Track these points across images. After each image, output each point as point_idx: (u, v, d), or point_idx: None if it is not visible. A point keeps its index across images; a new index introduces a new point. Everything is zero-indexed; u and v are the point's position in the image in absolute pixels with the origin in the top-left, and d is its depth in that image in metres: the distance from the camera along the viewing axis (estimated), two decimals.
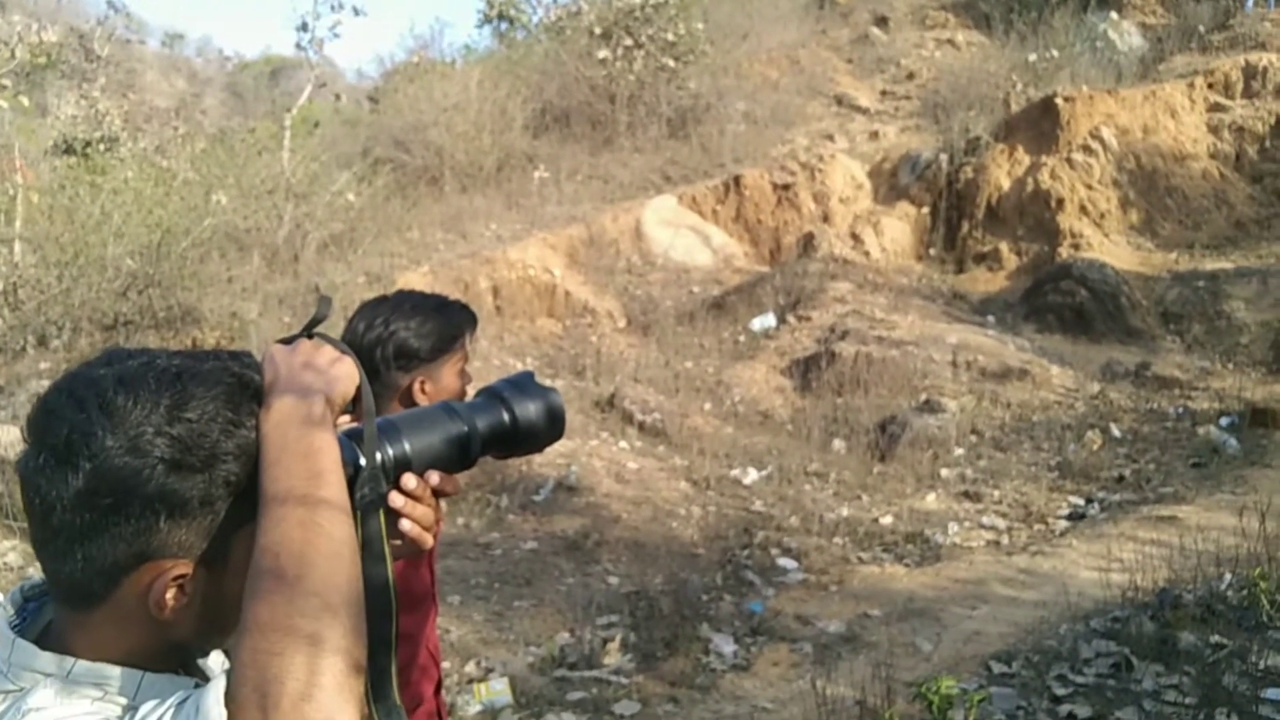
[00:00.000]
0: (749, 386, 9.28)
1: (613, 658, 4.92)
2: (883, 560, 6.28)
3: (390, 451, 1.03)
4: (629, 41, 15.24)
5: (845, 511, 6.89)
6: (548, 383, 1.40)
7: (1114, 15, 16.64)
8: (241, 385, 0.95)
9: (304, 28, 14.32)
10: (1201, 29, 15.22)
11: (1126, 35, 16.12)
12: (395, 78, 18.69)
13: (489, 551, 6.15)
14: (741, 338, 10.40)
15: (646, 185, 13.61)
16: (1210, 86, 12.91)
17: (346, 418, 1.04)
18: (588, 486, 6.87)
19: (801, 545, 6.29)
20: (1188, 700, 4.05)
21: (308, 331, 1.04)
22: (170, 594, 0.90)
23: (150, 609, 0.90)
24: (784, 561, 6.12)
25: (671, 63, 15.27)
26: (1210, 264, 10.91)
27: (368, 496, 0.98)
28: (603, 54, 15.14)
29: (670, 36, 15.34)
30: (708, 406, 8.85)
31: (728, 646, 5.12)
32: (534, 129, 15.00)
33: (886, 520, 6.78)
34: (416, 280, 10.49)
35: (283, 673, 0.81)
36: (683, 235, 12.67)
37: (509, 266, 10.66)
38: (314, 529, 0.88)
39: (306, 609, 0.84)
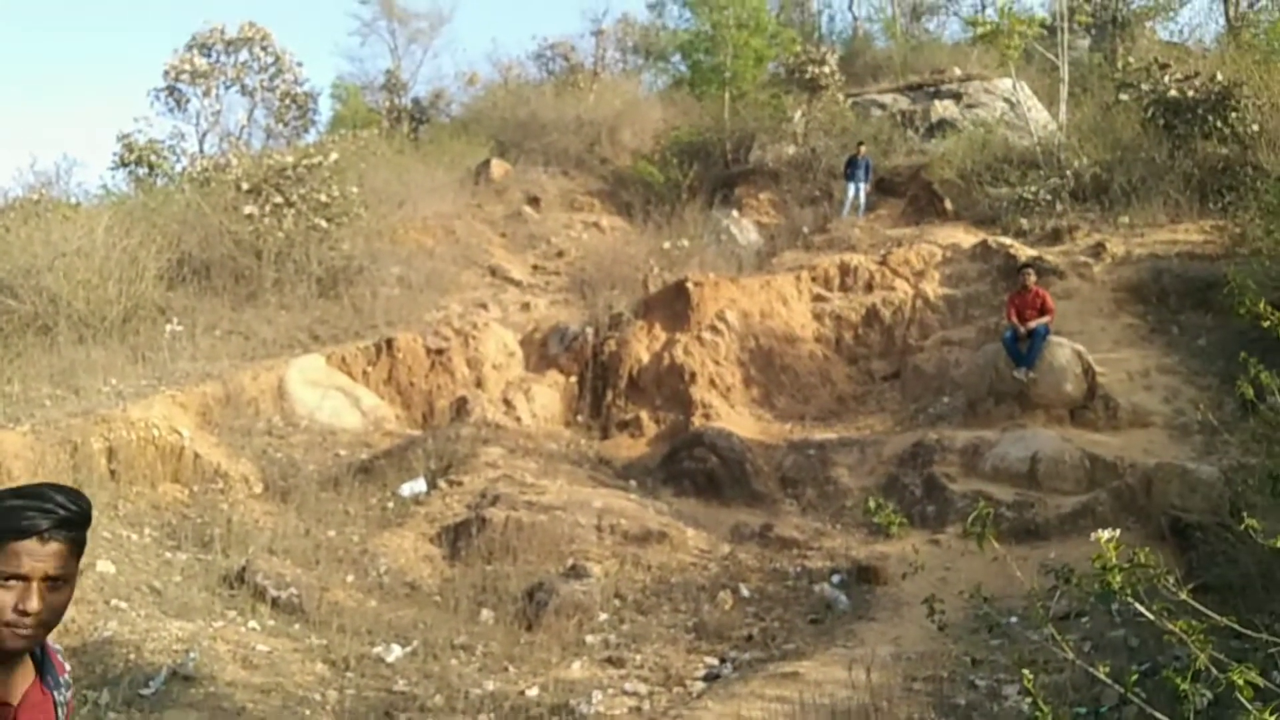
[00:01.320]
0: (396, 556, 8.93)
1: None
2: None
3: None
4: (279, 199, 14.90)
5: (491, 685, 6.70)
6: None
7: (735, 213, 18.79)
8: None
9: None
10: (806, 230, 17.55)
11: (746, 231, 18.22)
12: (9, 215, 16.86)
13: None
14: (390, 504, 10.06)
15: (293, 343, 13.09)
16: (814, 280, 14.78)
17: None
18: (208, 675, 6.17)
19: None
20: None
21: None
22: None
23: None
24: None
25: (324, 223, 15.06)
26: (819, 434, 12.19)
27: None
28: (250, 209, 14.66)
29: (323, 198, 15.19)
30: (351, 578, 8.38)
31: None
32: (169, 279, 14.04)
33: (533, 692, 6.66)
34: (13, 440, 9.22)
35: None
36: (330, 396, 12.24)
37: (129, 426, 9.68)
38: None
39: None
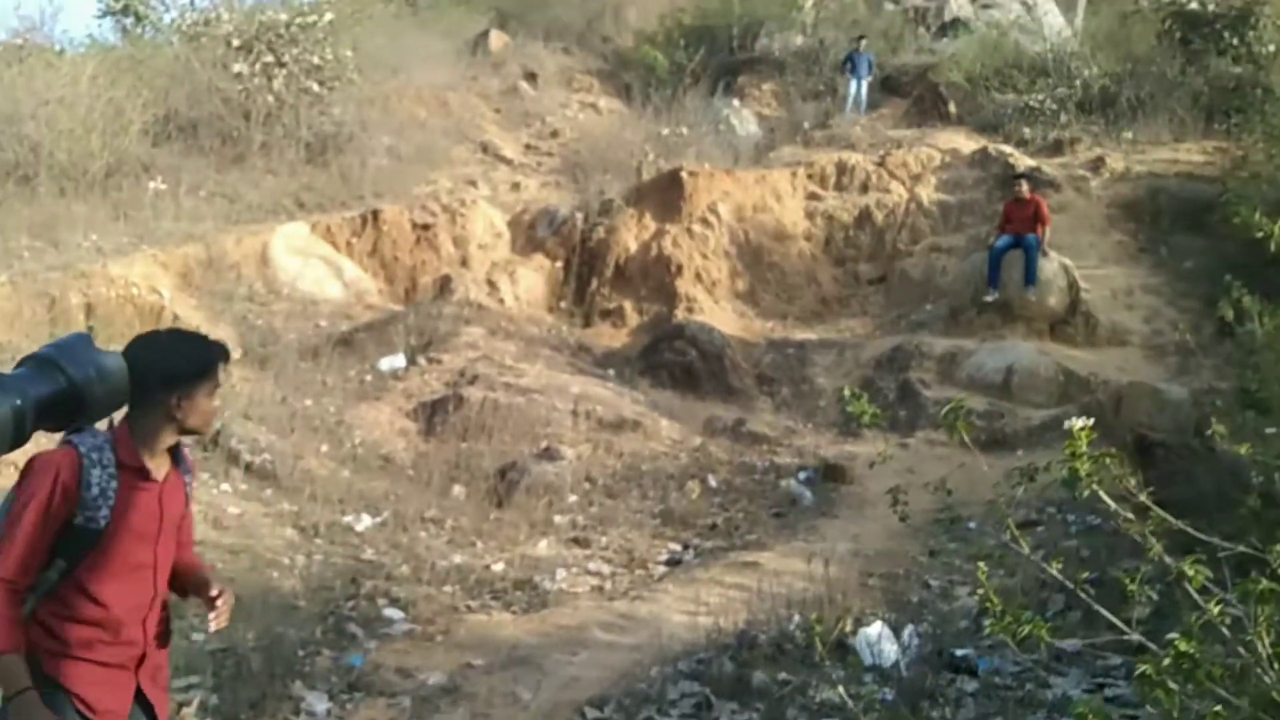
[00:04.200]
0: (372, 428, 9.02)
1: None
2: (491, 608, 6.31)
3: None
4: (270, 58, 14.50)
5: (458, 559, 6.87)
6: None
7: (736, 103, 18.37)
8: None
9: None
10: (807, 125, 17.23)
11: (746, 122, 17.86)
12: None
13: None
14: (368, 377, 10.12)
15: (278, 209, 12.94)
16: (810, 177, 14.58)
17: None
18: None
19: (410, 595, 6.17)
20: None
21: None
22: None
23: None
24: (390, 612, 5.96)
25: (316, 86, 14.72)
26: (800, 334, 12.24)
27: None
28: (239, 67, 14.27)
29: (316, 60, 14.79)
30: (325, 448, 8.48)
31: (321, 705, 4.88)
32: (154, 136, 13.75)
33: (498, 567, 6.84)
34: None
35: None
36: (313, 265, 12.16)
37: (109, 283, 9.63)
38: None
39: None
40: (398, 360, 10.34)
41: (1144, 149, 14.48)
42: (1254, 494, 4.74)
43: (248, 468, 7.57)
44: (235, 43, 14.77)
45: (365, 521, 7.22)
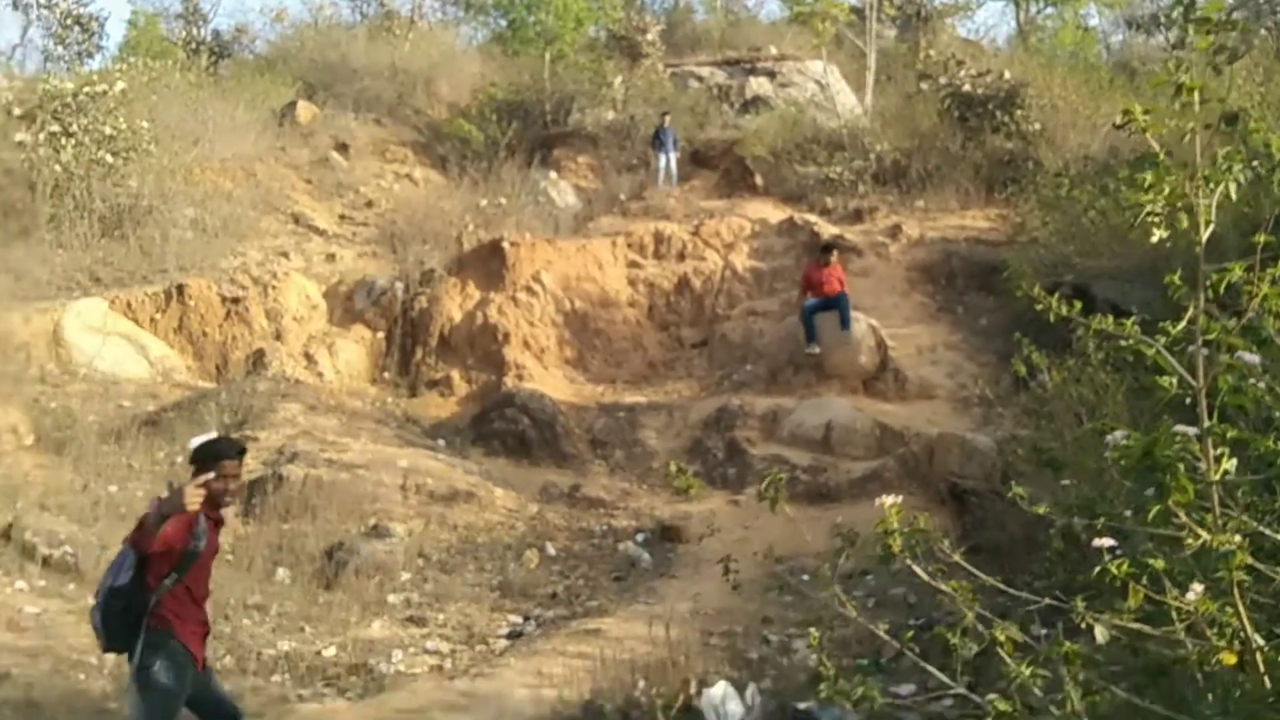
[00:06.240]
0: None
1: None
2: (324, 696, 5.97)
3: None
4: (56, 128, 13.67)
5: (286, 646, 6.48)
6: None
7: (553, 175, 18.65)
8: None
9: None
10: (623, 197, 17.64)
11: (564, 193, 18.13)
12: None
13: None
14: (179, 459, 9.49)
15: (71, 285, 12.11)
16: (629, 246, 14.90)
17: None
18: None
19: (236, 687, 5.75)
20: None
21: None
22: None
23: None
24: None
25: (109, 157, 13.95)
26: (629, 397, 12.38)
27: None
28: (22, 137, 13.39)
29: (109, 130, 14.05)
30: None
31: None
32: None
33: (330, 652, 6.50)
34: None
35: None
36: (113, 344, 11.41)
37: None
38: None
39: None
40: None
41: (935, 216, 15.61)
42: (1055, 537, 5.12)
43: (45, 562, 6.92)
44: (17, 111, 13.90)
45: None
